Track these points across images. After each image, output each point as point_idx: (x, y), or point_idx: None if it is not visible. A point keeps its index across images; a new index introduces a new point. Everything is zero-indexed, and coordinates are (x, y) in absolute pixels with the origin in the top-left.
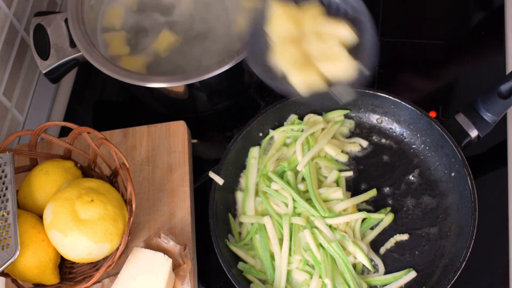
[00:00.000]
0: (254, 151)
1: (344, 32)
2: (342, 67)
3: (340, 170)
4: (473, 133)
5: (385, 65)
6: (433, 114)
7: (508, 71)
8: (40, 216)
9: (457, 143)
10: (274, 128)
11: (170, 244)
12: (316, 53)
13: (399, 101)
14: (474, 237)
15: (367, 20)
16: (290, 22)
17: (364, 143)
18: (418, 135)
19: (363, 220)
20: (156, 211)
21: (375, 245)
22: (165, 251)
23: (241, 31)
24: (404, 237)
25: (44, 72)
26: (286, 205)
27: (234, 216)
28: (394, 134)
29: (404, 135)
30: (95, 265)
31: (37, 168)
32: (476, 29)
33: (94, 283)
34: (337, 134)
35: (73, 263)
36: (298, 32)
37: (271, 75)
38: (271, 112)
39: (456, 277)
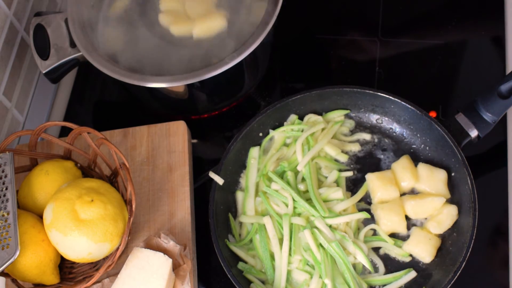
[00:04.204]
0: (254, 151)
1: None
2: None
3: (340, 170)
4: (473, 133)
5: (385, 65)
6: (433, 114)
7: (508, 71)
8: (40, 216)
9: (457, 143)
10: (274, 128)
11: (170, 244)
12: None
13: (399, 101)
14: (474, 237)
15: None
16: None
17: (368, 136)
18: (418, 135)
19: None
20: (156, 211)
21: None
22: (165, 251)
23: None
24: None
25: (44, 72)
26: (286, 205)
27: (234, 216)
28: (394, 134)
29: (404, 135)
30: (95, 265)
31: (37, 168)
32: (476, 29)
33: (94, 283)
34: (338, 134)
35: (73, 263)
36: None
37: None
38: (271, 112)
39: (456, 277)
